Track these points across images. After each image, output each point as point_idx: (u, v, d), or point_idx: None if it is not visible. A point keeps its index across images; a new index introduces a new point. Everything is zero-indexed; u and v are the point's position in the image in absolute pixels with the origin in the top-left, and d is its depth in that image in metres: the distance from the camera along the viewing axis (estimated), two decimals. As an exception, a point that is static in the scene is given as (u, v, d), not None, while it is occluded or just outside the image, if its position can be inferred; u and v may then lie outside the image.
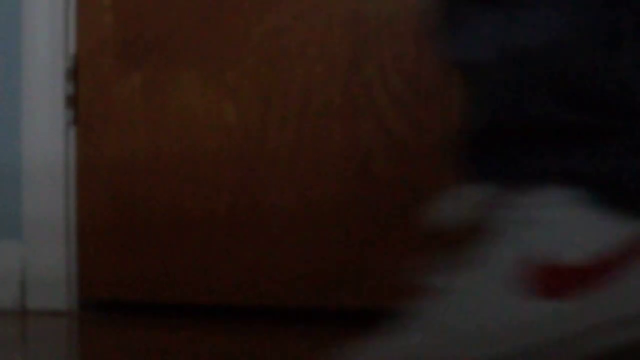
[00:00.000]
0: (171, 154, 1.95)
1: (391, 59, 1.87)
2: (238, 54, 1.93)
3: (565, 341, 0.90)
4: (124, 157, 1.96)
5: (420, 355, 0.92)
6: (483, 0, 0.92)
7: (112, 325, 1.87)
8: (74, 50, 1.99)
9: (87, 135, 1.98)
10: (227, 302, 1.93)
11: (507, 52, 0.92)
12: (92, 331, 1.85)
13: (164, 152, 1.95)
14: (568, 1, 0.90)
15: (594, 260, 0.90)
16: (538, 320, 0.90)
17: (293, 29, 1.90)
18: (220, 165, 1.93)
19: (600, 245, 0.91)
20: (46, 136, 1.98)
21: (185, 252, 1.94)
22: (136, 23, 1.95)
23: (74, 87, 1.99)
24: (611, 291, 0.90)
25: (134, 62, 1.96)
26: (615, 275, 0.90)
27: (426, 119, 1.86)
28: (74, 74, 1.99)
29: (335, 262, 1.89)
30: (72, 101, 1.99)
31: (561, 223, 0.92)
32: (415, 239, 1.84)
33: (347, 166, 1.88)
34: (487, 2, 0.92)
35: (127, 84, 1.96)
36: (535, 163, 0.93)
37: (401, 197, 1.86)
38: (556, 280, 0.90)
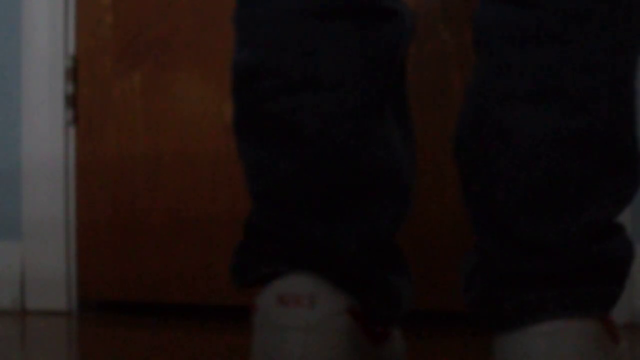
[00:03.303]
0: (171, 154, 1.94)
1: (391, 59, 1.87)
2: (238, 54, 1.92)
3: None
4: (123, 157, 1.96)
5: None
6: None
7: (111, 325, 1.87)
8: (73, 50, 1.99)
9: (87, 135, 1.98)
10: (227, 302, 1.93)
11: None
12: (92, 331, 1.85)
13: (163, 152, 1.95)
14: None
15: None
16: None
17: (293, 29, 1.90)
18: (220, 165, 1.93)
19: None
20: (46, 136, 1.98)
21: (185, 252, 1.94)
22: (136, 23, 1.95)
23: (74, 87, 1.99)
24: None
25: (134, 62, 1.96)
26: None
27: (426, 119, 1.85)
28: (74, 74, 1.99)
29: (335, 262, 1.88)
30: (72, 101, 1.99)
31: None
32: (414, 238, 1.84)
33: (347, 166, 1.88)
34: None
35: (127, 84, 1.96)
36: None
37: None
38: None
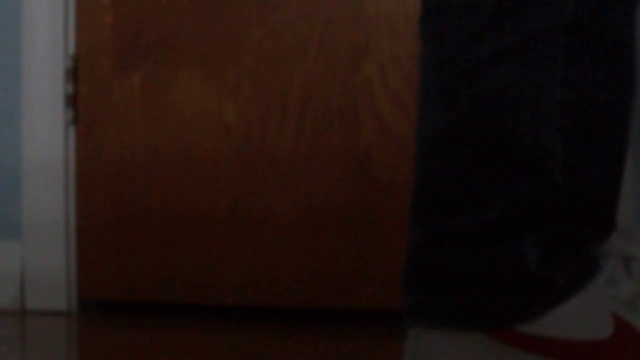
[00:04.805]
0: (171, 154, 1.94)
1: (391, 59, 1.87)
2: (238, 53, 1.93)
3: None
4: (124, 157, 1.96)
5: None
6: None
7: (112, 325, 1.87)
8: (73, 50, 1.99)
9: (87, 135, 1.98)
10: (227, 302, 1.93)
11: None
12: (92, 331, 1.85)
13: (164, 152, 1.95)
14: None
15: None
16: None
17: (293, 29, 1.90)
18: (220, 165, 1.93)
19: None
20: (46, 136, 1.98)
21: (185, 252, 1.94)
22: (136, 23, 1.95)
23: (74, 87, 1.99)
24: None
25: (134, 62, 1.96)
26: None
27: (426, 119, 1.85)
28: (74, 73, 1.99)
29: (335, 263, 1.88)
30: (72, 101, 1.99)
31: None
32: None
33: (347, 166, 1.88)
34: None
35: (127, 84, 1.96)
36: None
37: (401, 198, 1.86)
38: None
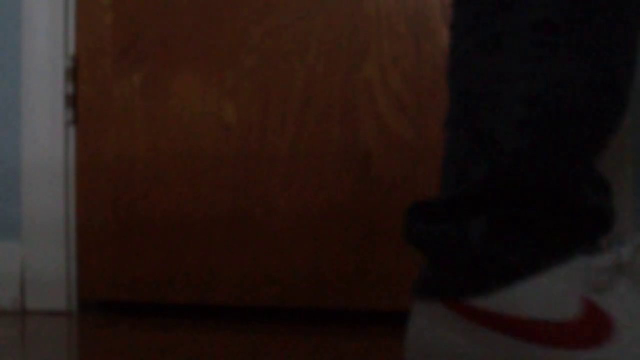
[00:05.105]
0: (171, 154, 1.94)
1: (391, 59, 1.87)
2: (238, 54, 1.93)
3: None
4: (124, 157, 1.96)
5: None
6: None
7: (111, 325, 1.87)
8: (73, 50, 1.99)
9: (87, 135, 1.98)
10: (227, 302, 1.93)
11: None
12: (92, 331, 1.85)
13: (163, 152, 1.95)
14: None
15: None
16: None
17: (293, 29, 1.90)
18: (220, 166, 1.93)
19: None
20: (46, 136, 1.98)
21: (185, 252, 1.94)
22: (136, 23, 1.95)
23: (74, 87, 1.99)
24: None
25: (134, 62, 1.96)
26: None
27: (426, 119, 1.86)
28: (74, 73, 1.99)
29: (335, 262, 1.88)
30: (72, 101, 1.99)
31: None
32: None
33: (347, 166, 1.88)
34: None
35: (127, 84, 1.96)
36: None
37: (401, 197, 1.86)
38: None
